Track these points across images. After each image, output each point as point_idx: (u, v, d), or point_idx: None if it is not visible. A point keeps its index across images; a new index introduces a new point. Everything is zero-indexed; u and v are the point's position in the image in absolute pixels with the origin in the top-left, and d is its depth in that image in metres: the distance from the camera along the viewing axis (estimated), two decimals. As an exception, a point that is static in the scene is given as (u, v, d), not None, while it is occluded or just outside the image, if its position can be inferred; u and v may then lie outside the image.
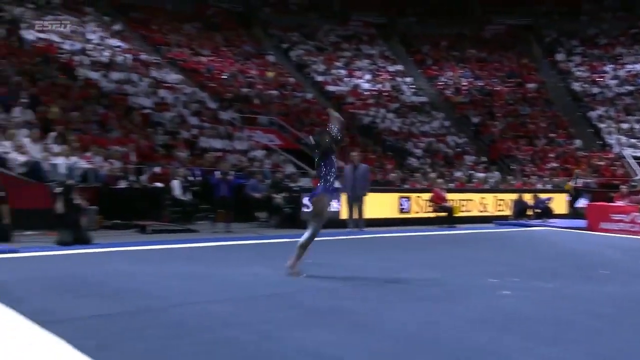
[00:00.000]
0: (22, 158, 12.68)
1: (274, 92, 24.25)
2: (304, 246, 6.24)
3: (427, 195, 14.85)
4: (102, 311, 4.93)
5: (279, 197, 13.84)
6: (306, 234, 6.22)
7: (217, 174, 12.50)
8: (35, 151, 13.30)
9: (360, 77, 28.82)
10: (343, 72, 28.82)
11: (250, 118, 21.71)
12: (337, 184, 6.41)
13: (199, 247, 9.54)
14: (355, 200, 12.68)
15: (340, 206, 13.17)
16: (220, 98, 22.04)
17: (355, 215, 12.41)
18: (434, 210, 14.57)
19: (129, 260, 7.80)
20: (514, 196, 16.83)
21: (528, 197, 16.91)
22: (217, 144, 19.03)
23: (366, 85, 28.18)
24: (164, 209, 13.07)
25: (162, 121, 18.82)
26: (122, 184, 13.65)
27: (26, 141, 13.35)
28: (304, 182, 14.53)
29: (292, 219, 13.46)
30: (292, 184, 14.45)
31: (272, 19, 30.02)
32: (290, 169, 19.00)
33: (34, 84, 16.85)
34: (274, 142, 20.95)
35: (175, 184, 13.34)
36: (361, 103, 26.62)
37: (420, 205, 14.72)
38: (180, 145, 16.84)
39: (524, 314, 5.04)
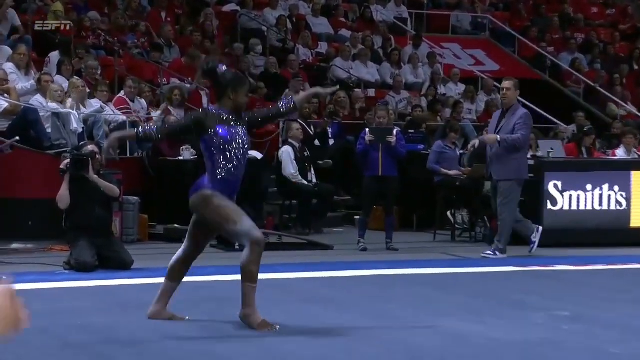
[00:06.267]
0: (3, 103, 12.34)
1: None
2: (249, 276, 6.82)
3: None
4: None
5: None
6: (244, 255, 6.83)
7: (367, 132, 11.71)
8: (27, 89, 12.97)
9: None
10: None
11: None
12: (233, 176, 6.73)
13: (334, 277, 9.78)
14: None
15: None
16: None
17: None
18: None
19: (199, 298, 7.95)
20: None
21: None
22: (368, 73, 18.46)
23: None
24: (265, 203, 12.97)
25: (262, 26, 18.55)
26: (187, 154, 12.93)
27: (10, 69, 13.00)
28: (549, 147, 13.49)
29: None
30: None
31: None
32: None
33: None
34: (484, 67, 20.60)
35: (287, 155, 13.05)
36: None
37: None
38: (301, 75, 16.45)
39: None
